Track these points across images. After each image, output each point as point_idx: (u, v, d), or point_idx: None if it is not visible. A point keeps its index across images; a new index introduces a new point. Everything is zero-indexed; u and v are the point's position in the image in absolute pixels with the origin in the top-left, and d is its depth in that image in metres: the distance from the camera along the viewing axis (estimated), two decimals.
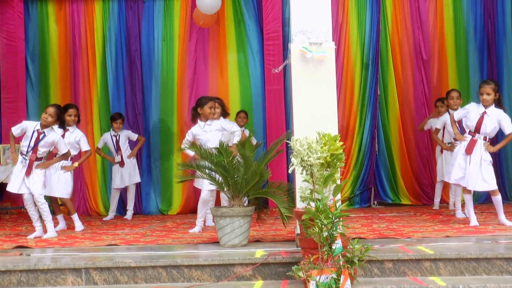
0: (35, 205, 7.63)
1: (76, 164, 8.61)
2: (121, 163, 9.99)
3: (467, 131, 7.58)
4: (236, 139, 7.80)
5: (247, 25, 11.24)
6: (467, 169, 7.45)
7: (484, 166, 7.42)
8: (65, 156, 8.05)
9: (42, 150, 7.63)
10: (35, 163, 7.59)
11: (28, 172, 7.52)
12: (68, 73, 11.38)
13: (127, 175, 10.02)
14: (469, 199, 7.57)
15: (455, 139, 8.41)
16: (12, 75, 11.20)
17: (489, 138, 7.51)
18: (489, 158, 7.49)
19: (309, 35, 5.98)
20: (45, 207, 7.57)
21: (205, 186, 7.45)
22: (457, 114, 7.82)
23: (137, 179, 10.21)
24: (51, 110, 7.64)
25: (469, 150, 7.46)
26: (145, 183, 11.18)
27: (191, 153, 7.44)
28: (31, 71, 11.37)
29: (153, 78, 11.30)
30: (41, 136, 7.58)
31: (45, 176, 7.81)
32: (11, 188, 7.64)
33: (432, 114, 10.22)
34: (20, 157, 7.58)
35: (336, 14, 10.84)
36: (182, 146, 7.69)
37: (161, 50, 11.29)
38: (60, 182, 8.39)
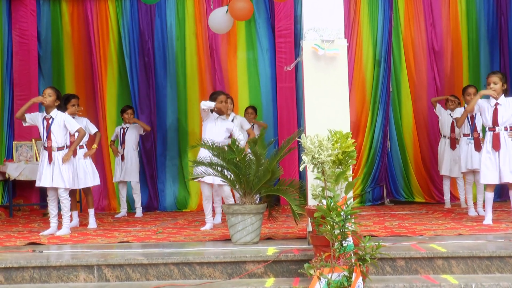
0: (58, 201, 7.65)
1: (95, 146, 8.70)
2: (122, 157, 10.03)
3: (486, 128, 7.44)
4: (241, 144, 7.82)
5: (258, 24, 11.25)
6: (498, 165, 7.27)
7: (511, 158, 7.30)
8: (81, 136, 7.86)
9: (58, 136, 7.58)
10: (57, 153, 7.56)
11: (50, 160, 7.51)
12: (82, 71, 11.46)
13: (127, 169, 10.03)
14: (490, 197, 7.42)
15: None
16: (25, 73, 11.31)
17: (510, 127, 7.34)
18: None
19: (321, 32, 5.97)
20: (66, 203, 7.58)
21: (203, 179, 7.37)
22: (469, 107, 7.66)
23: (134, 177, 10.07)
24: (48, 90, 7.63)
25: (496, 146, 7.29)
26: (161, 180, 11.27)
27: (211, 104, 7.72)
28: (44, 69, 11.44)
29: (168, 76, 11.34)
30: (50, 121, 7.57)
31: (73, 169, 7.83)
32: (38, 183, 7.62)
33: (447, 97, 9.97)
34: (43, 152, 7.61)
35: (348, 11, 10.82)
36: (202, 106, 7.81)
37: (174, 48, 11.32)
38: (88, 172, 8.48)
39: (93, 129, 8.76)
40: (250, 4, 8.99)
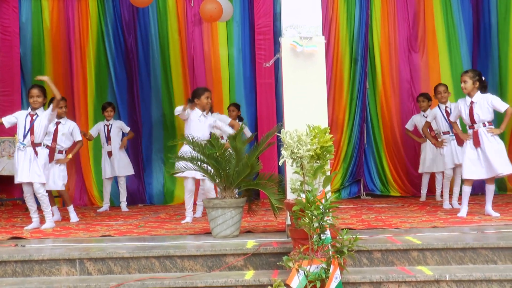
0: (35, 196, 7.67)
1: (70, 156, 8.68)
2: (109, 153, 10.06)
3: (467, 126, 7.59)
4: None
5: (237, 21, 11.32)
6: (482, 161, 7.40)
7: (498, 151, 7.38)
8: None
9: (39, 132, 7.59)
10: (39, 148, 7.59)
11: (36, 154, 7.52)
12: (63, 67, 11.45)
13: (116, 165, 10.06)
14: (468, 191, 7.56)
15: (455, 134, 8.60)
16: (7, 69, 11.29)
17: (488, 122, 7.46)
18: (499, 143, 7.42)
19: (299, 29, 6.05)
20: (44, 199, 7.60)
21: (187, 174, 7.36)
22: (452, 116, 7.87)
23: (128, 171, 10.19)
24: (35, 91, 7.63)
25: (476, 143, 7.43)
26: (147, 174, 11.34)
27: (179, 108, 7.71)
28: (26, 65, 11.41)
29: (150, 72, 11.38)
30: (34, 117, 7.58)
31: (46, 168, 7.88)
32: (20, 179, 7.57)
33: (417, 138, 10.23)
34: (18, 145, 7.56)
35: (325, 9, 10.93)
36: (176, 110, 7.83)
37: (155, 44, 11.35)
38: (57, 175, 8.47)
39: (77, 136, 8.76)
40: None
